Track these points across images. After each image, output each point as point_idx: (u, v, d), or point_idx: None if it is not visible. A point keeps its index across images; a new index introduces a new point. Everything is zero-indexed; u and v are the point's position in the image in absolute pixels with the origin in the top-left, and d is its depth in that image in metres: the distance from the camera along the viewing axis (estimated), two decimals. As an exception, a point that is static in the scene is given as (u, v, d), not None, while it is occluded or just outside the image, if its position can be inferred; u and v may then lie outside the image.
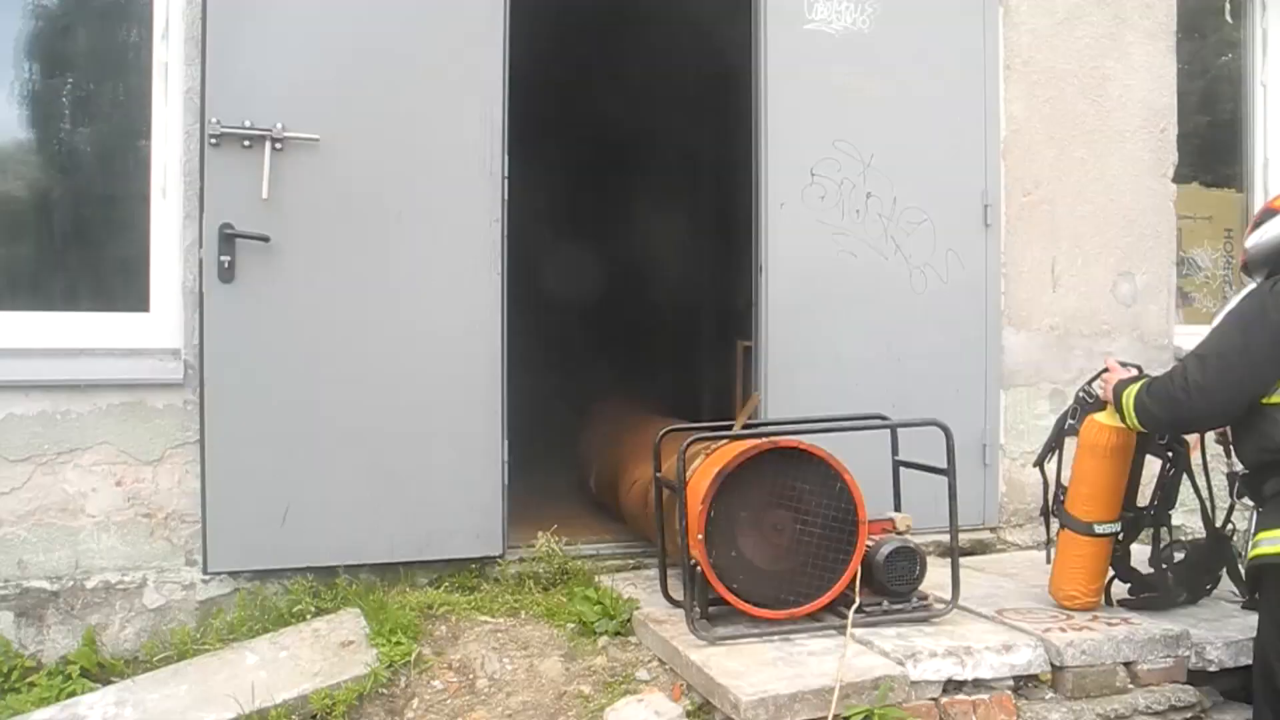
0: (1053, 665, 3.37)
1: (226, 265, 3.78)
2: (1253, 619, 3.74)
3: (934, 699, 3.20)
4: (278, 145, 3.83)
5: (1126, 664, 3.43)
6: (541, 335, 6.95)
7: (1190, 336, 5.34)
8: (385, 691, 3.41)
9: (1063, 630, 3.47)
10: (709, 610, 3.49)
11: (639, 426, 5.06)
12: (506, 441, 4.17)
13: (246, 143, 3.80)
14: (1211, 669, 3.53)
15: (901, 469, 3.96)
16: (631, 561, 4.41)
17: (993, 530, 4.93)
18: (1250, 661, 3.57)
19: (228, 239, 3.78)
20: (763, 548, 3.47)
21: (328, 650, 3.55)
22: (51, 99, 4.05)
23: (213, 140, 3.78)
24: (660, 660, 3.50)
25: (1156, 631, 3.50)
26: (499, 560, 4.18)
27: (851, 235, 4.63)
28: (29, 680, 3.56)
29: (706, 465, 3.56)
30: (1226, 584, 4.15)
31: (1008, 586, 4.12)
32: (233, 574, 3.89)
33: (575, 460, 5.99)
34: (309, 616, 3.79)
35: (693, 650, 3.31)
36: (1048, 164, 5.07)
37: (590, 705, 3.30)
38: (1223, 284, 5.73)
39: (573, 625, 3.76)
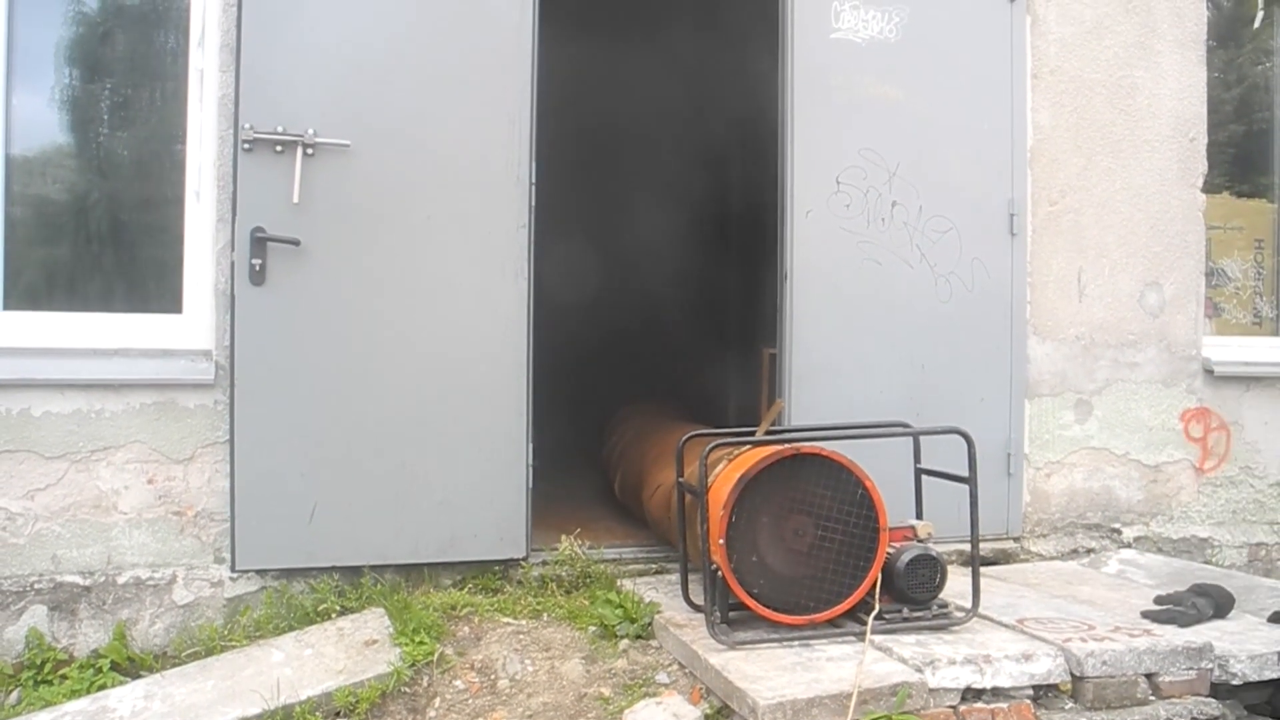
0: (1073, 675, 3.35)
1: (258, 268, 3.85)
2: (1278, 632, 3.74)
3: (952, 706, 3.20)
4: (309, 151, 3.89)
5: (1148, 675, 3.40)
6: (568, 341, 6.98)
7: (1219, 348, 5.34)
8: (408, 690, 3.45)
9: (1084, 640, 3.45)
10: (729, 615, 3.49)
11: (663, 432, 5.09)
12: (531, 445, 4.21)
13: (279, 148, 3.87)
14: (1235, 682, 3.49)
15: (924, 477, 3.96)
16: (654, 566, 4.44)
17: (1016, 540, 4.91)
18: (1278, 675, 3.56)
19: (259, 242, 3.85)
20: (783, 553, 3.49)
21: (352, 649, 3.59)
22: (90, 104, 4.13)
23: (246, 145, 3.85)
24: (680, 664, 3.52)
25: (1179, 643, 3.48)
26: (522, 563, 4.21)
27: (876, 243, 4.64)
28: (60, 673, 3.64)
29: (729, 471, 3.58)
30: (1253, 600, 4.13)
31: (1029, 596, 4.10)
32: (260, 572, 3.96)
33: (600, 465, 6.02)
34: (334, 615, 3.85)
35: (712, 654, 3.32)
36: (1074, 173, 5.06)
37: (610, 707, 3.32)
38: (1253, 295, 5.68)
39: (594, 628, 3.79)
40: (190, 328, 3.99)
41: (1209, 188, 5.37)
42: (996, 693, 3.27)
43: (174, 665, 3.70)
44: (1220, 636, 3.63)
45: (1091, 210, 5.09)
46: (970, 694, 3.24)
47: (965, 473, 3.65)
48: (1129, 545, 5.07)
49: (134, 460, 3.86)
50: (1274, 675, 3.54)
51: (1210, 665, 3.48)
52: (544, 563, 4.24)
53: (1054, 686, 3.36)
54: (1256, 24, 5.76)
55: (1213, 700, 3.44)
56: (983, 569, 4.46)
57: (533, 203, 4.19)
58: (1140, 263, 5.18)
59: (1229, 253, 5.63)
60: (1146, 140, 5.20)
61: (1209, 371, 5.26)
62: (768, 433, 3.86)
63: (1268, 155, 5.78)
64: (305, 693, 3.33)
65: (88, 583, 3.81)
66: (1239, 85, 5.81)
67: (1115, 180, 5.14)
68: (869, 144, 4.63)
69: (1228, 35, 5.73)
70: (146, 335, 3.96)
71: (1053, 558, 4.95)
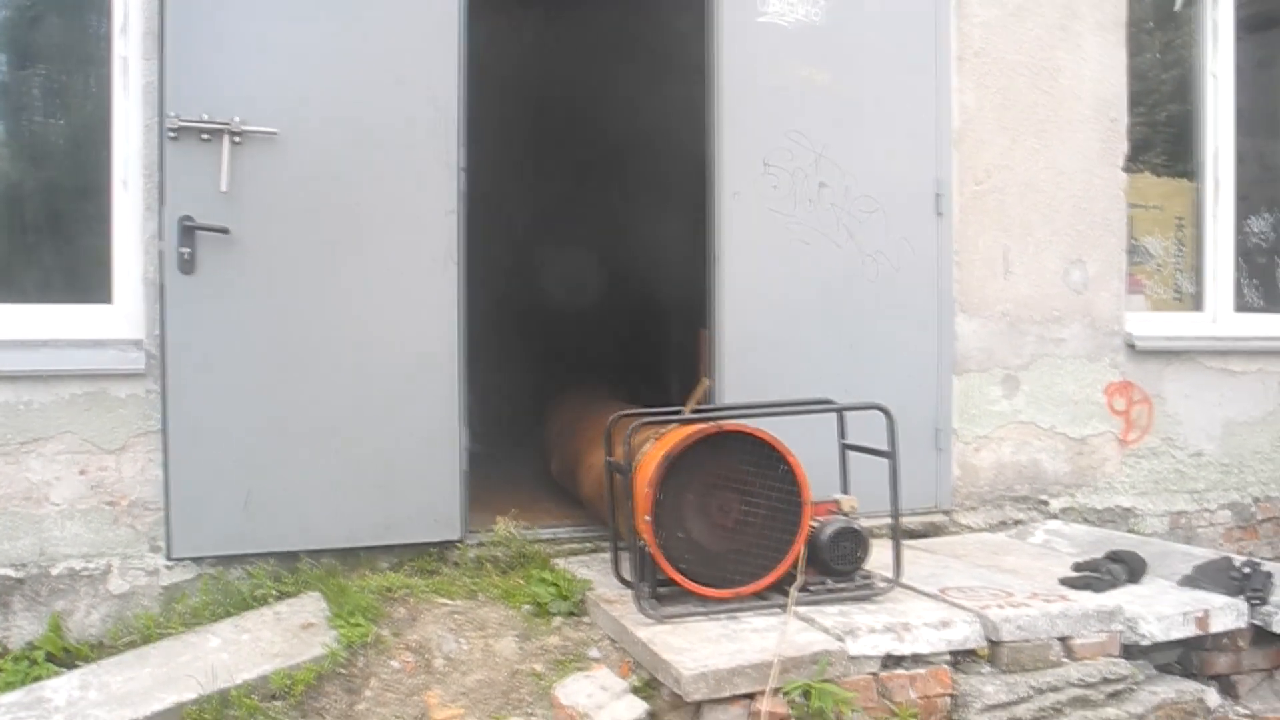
0: (989, 640, 3.47)
1: (187, 257, 3.85)
2: (1187, 594, 3.90)
3: (873, 673, 3.30)
4: (236, 139, 3.89)
5: (1061, 639, 3.53)
6: (509, 326, 7.02)
7: (1141, 323, 5.50)
8: (344, 671, 3.49)
9: (1001, 607, 3.57)
10: (658, 590, 3.57)
11: (599, 412, 5.12)
12: (466, 429, 4.25)
13: (205, 136, 3.87)
14: (1145, 643, 3.64)
15: (852, 453, 4.04)
16: (588, 545, 4.50)
17: (946, 513, 5.03)
18: (1185, 635, 3.71)
19: (188, 231, 3.85)
20: (709, 529, 3.56)
21: (288, 632, 3.63)
22: (13, 91, 4.10)
23: (171, 134, 3.84)
24: (611, 639, 3.59)
25: (1091, 607, 3.61)
26: (458, 544, 4.26)
27: (804, 224, 4.71)
28: (-6, 665, 3.63)
29: (655, 449, 3.64)
30: (1167, 565, 4.28)
31: (955, 566, 4.23)
32: (196, 560, 3.97)
33: (540, 448, 6.07)
34: (271, 600, 3.87)
35: (640, 628, 3.40)
36: (999, 153, 5.17)
37: (542, 683, 3.39)
38: (1174, 271, 5.85)
39: (528, 606, 3.85)
40: (120, 317, 3.98)
41: (1134, 167, 5.52)
42: (916, 659, 3.38)
43: (111, 655, 3.69)
44: (1132, 600, 3.78)
45: (1016, 190, 5.21)
46: (890, 661, 3.35)
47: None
48: (1056, 516, 5.22)
49: (65, 451, 3.85)
50: (1181, 635, 3.70)
51: (1120, 627, 3.62)
52: (480, 544, 4.29)
53: (972, 652, 3.47)
54: (1177, 6, 5.90)
55: (1123, 660, 3.58)
56: (912, 541, 4.60)
57: (463, 189, 4.21)
58: (1064, 241, 5.31)
59: (1150, 231, 5.78)
60: (1069, 121, 5.32)
61: (1131, 346, 5.42)
62: (694, 411, 3.93)
63: (1187, 136, 5.93)
64: (242, 676, 3.35)
65: (20, 575, 3.79)
66: (1170, 67, 5.96)
67: (1039, 160, 5.26)
68: (796, 126, 4.69)
69: (1156, 19, 5.88)
70: (76, 325, 3.94)
71: (982, 530, 5.08)
